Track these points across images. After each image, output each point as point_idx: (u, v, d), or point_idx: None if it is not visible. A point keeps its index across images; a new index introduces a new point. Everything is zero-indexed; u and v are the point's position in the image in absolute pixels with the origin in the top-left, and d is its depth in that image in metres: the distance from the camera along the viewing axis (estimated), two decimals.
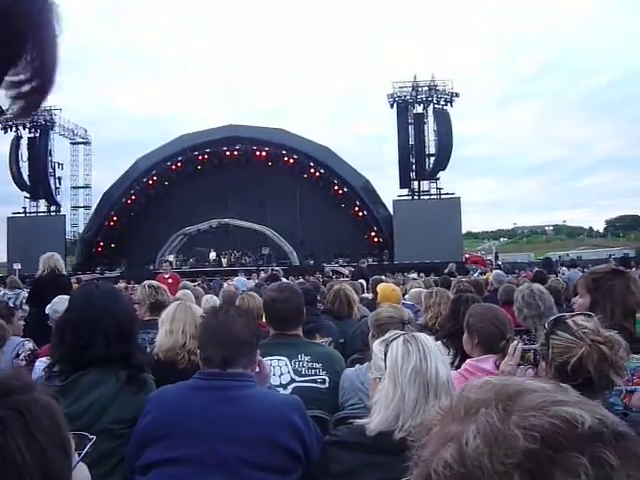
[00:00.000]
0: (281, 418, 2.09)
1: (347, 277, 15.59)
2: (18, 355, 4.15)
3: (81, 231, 39.25)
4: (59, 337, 2.44)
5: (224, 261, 32.57)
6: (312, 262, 31.86)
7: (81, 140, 40.20)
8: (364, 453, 1.86)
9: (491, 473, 0.55)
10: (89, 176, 41.18)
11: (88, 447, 0.83)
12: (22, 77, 0.58)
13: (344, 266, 26.07)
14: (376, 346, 2.05)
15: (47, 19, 0.58)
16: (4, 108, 0.59)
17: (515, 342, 2.28)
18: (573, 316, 1.96)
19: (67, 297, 3.90)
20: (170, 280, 10.30)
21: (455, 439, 0.61)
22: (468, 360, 2.99)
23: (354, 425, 1.98)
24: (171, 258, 32.52)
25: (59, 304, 4.33)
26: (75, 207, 40.83)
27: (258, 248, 32.97)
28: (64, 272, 6.66)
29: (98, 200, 38.19)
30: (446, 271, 13.52)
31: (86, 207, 40.95)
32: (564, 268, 15.30)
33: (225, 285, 11.89)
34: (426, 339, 1.94)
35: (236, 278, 15.52)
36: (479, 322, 3.05)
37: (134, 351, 2.43)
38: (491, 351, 2.89)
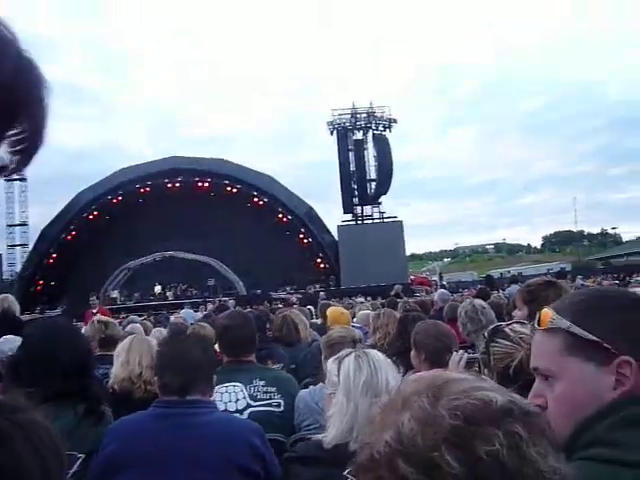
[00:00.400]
0: (242, 442, 2.14)
1: (296, 304, 15.61)
2: None
3: (19, 270, 38.02)
4: (12, 375, 2.43)
5: (169, 294, 32.13)
6: (259, 291, 31.71)
7: (16, 176, 39.12)
8: (321, 467, 1.94)
9: (423, 447, 0.67)
10: (25, 213, 40.03)
11: (76, 465, 0.88)
12: (19, 137, 0.69)
13: (292, 294, 26.07)
14: (329, 363, 2.14)
15: (41, 92, 0.70)
16: (6, 163, 0.69)
17: (460, 352, 2.41)
18: (509, 324, 2.11)
19: (14, 337, 3.84)
20: (99, 315, 9.94)
21: (393, 424, 0.71)
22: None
23: (311, 440, 2.06)
24: (115, 294, 31.90)
25: (5, 343, 4.25)
26: (12, 246, 39.56)
27: (204, 280, 32.66)
28: (17, 314, 6.50)
29: (36, 237, 37.14)
30: (392, 293, 13.72)
31: (23, 245, 39.72)
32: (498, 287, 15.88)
33: (172, 318, 11.73)
34: (376, 354, 2.05)
35: (183, 311, 15.29)
36: (425, 338, 3.18)
37: (91, 384, 2.43)
38: (438, 365, 3.01)
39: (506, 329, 2.05)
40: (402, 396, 0.76)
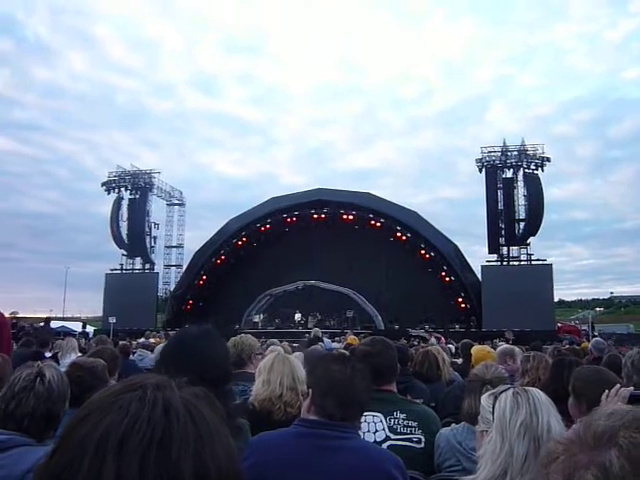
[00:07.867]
0: (382, 473, 2.01)
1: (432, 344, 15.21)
2: None
3: (172, 289, 40.60)
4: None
5: (310, 323, 32.71)
6: (397, 327, 31.37)
7: (177, 202, 42.18)
8: None
9: None
10: (182, 236, 42.94)
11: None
12: None
13: (430, 332, 25.47)
14: (484, 399, 1.97)
15: None
16: None
17: (618, 386, 2.14)
18: None
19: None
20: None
21: (594, 462, 0.63)
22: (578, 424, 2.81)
23: None
24: (257, 318, 33.06)
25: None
26: (168, 266, 42.53)
27: (342, 311, 32.92)
28: None
29: (189, 259, 39.57)
30: (507, 336, 13.13)
31: (178, 266, 42.53)
32: None
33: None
34: (538, 393, 1.84)
35: None
36: (586, 386, 2.88)
37: (224, 396, 2.29)
38: None
39: None
40: (594, 432, 0.68)
